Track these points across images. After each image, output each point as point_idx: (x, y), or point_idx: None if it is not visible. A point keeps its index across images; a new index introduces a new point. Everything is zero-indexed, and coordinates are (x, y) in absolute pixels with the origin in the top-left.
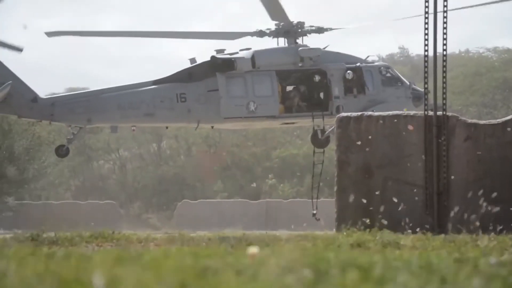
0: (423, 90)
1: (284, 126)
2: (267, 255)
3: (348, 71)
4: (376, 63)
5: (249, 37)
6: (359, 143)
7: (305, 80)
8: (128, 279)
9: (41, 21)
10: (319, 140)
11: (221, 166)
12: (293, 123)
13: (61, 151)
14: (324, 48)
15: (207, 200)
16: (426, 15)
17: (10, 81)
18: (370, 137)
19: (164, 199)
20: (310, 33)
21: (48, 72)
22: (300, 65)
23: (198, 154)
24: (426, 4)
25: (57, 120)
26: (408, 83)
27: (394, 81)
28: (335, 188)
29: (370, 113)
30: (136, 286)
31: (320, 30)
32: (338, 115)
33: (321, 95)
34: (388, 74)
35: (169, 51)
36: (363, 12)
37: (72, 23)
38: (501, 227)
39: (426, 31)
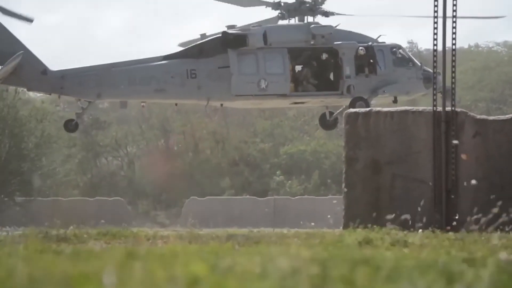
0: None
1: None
2: (275, 253)
3: (360, 47)
4: (387, 43)
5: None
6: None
7: (317, 58)
8: (137, 276)
9: (44, 16)
10: (327, 121)
11: (228, 162)
12: (303, 102)
13: (70, 126)
14: (336, 26)
15: (215, 197)
16: (436, 9)
17: (21, 51)
18: (378, 133)
19: (172, 196)
20: (321, 14)
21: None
22: (312, 43)
23: (205, 150)
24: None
25: (66, 94)
26: (419, 64)
27: (405, 61)
28: (343, 185)
29: (378, 108)
30: (146, 283)
31: (326, 13)
32: (346, 111)
33: (332, 74)
34: (400, 55)
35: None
36: (371, 4)
37: (75, 18)
38: (510, 225)
39: (435, 25)
